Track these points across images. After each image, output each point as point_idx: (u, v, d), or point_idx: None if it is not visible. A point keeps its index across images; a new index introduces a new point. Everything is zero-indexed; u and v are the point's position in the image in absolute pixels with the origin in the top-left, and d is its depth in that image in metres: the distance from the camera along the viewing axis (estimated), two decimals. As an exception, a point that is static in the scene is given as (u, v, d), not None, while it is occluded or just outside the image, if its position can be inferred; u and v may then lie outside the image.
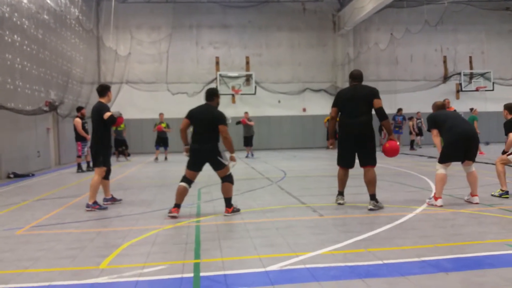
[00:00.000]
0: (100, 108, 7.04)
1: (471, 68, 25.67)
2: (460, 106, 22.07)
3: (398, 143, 6.84)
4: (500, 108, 9.01)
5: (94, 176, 7.02)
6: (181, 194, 6.19)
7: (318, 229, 5.35)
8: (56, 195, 8.87)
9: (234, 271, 3.85)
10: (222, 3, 23.83)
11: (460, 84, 25.12)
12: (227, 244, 4.76)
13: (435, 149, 7.01)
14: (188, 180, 6.24)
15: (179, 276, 3.74)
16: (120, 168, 14.69)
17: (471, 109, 17.57)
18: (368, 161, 6.52)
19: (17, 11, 13.36)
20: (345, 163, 6.76)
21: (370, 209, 6.33)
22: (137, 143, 22.31)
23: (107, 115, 6.91)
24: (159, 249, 4.60)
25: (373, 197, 6.46)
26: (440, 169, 6.59)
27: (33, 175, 12.85)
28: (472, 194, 6.72)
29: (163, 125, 17.42)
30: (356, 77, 6.78)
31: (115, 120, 6.97)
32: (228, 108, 22.14)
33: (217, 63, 24.02)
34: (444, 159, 6.57)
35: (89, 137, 12.80)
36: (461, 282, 3.46)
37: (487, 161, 12.97)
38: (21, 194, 9.16)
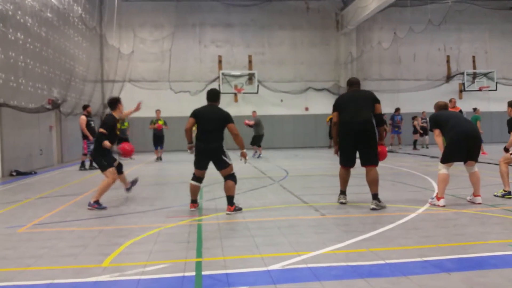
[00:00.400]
0: (105, 121, 7.33)
1: (474, 67, 25.59)
2: (463, 106, 21.86)
3: (387, 149, 6.92)
4: (503, 108, 8.99)
5: (107, 179, 7.00)
6: (193, 191, 6.58)
7: (320, 228, 5.34)
8: (58, 193, 8.88)
9: (236, 270, 3.85)
10: (225, 2, 23.81)
11: (463, 83, 25.04)
12: (229, 243, 4.76)
13: (438, 149, 6.99)
14: (198, 178, 6.57)
15: (181, 274, 3.74)
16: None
17: (474, 109, 17.55)
18: (370, 161, 6.51)
19: (20, 9, 13.38)
20: (347, 162, 6.76)
21: (373, 209, 6.33)
22: (139, 141, 22.29)
23: (100, 130, 7.07)
24: (161, 248, 4.60)
25: (375, 196, 6.45)
26: (442, 169, 6.57)
27: (35, 173, 12.87)
28: (475, 194, 6.71)
29: (161, 121, 16.77)
30: (354, 83, 6.95)
31: (102, 138, 6.99)
32: (231, 107, 22.12)
33: (220, 61, 24.01)
34: (446, 159, 6.55)
35: (91, 137, 12.90)
36: (464, 282, 3.45)
37: (489, 161, 12.93)
38: (23, 192, 9.18)
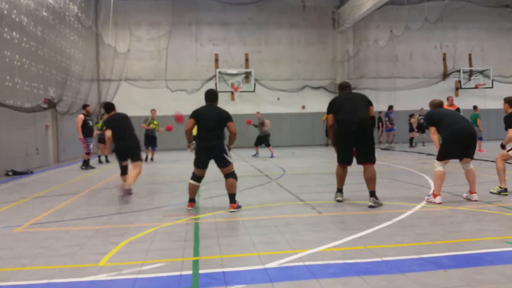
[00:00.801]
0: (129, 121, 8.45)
1: (470, 65, 25.66)
2: (459, 103, 21.93)
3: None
4: (499, 105, 9.02)
5: (139, 168, 7.99)
6: (192, 190, 6.59)
7: (317, 226, 5.35)
8: (54, 192, 8.86)
9: (233, 268, 3.84)
10: (221, 0, 23.77)
11: (460, 81, 25.11)
12: (226, 241, 4.76)
13: (434, 147, 7.01)
14: (197, 177, 6.59)
15: (178, 273, 3.74)
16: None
17: (475, 107, 17.67)
18: (368, 158, 6.53)
19: (16, 8, 13.32)
20: (344, 160, 6.78)
21: (370, 206, 6.34)
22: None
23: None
24: (158, 247, 4.60)
25: (373, 194, 6.47)
26: (439, 167, 6.59)
27: (31, 172, 12.83)
28: (471, 192, 6.73)
29: (156, 122, 16.27)
30: (345, 86, 7.07)
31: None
32: (228, 106, 22.11)
33: (217, 60, 23.98)
34: (442, 156, 6.57)
35: (81, 136, 13.41)
36: (460, 279, 3.46)
37: (486, 158, 12.97)
38: (19, 191, 9.15)
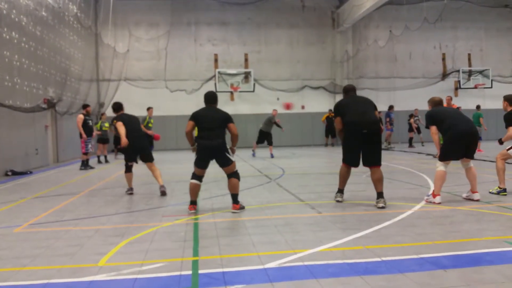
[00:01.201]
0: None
1: (469, 65, 25.66)
2: (459, 103, 22.03)
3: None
4: (498, 105, 9.02)
5: (156, 168, 8.36)
6: (194, 190, 6.49)
7: (317, 226, 5.35)
8: (54, 192, 8.85)
9: (233, 268, 3.84)
10: (220, 0, 23.76)
11: (459, 81, 25.11)
12: (226, 241, 4.75)
13: (434, 147, 7.00)
14: (198, 177, 6.51)
15: (177, 273, 3.73)
16: (119, 166, 14.65)
17: (478, 107, 17.73)
18: (376, 161, 6.54)
19: (15, 8, 13.31)
20: (350, 161, 6.75)
21: (382, 207, 6.31)
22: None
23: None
24: (157, 247, 4.59)
25: (381, 194, 6.46)
26: (440, 166, 6.58)
27: (31, 172, 12.83)
28: (472, 191, 6.72)
29: (152, 121, 15.98)
30: (350, 89, 7.09)
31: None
32: (227, 106, 22.12)
33: (216, 60, 23.96)
34: (445, 156, 6.56)
35: (84, 135, 13.33)
36: (460, 279, 3.46)
37: (485, 158, 12.98)
38: (19, 191, 9.14)
